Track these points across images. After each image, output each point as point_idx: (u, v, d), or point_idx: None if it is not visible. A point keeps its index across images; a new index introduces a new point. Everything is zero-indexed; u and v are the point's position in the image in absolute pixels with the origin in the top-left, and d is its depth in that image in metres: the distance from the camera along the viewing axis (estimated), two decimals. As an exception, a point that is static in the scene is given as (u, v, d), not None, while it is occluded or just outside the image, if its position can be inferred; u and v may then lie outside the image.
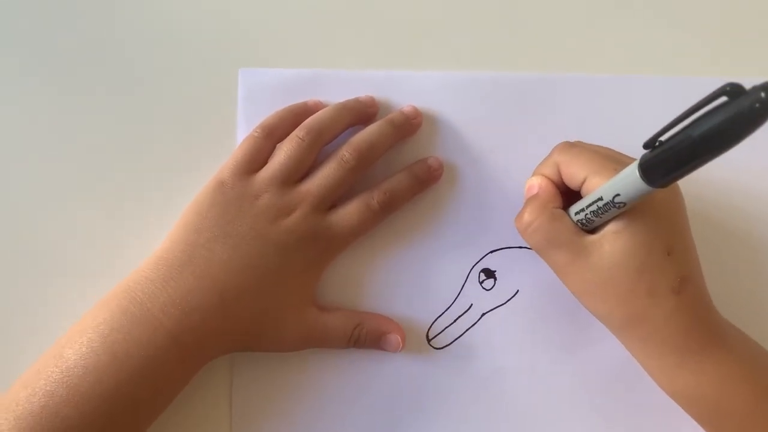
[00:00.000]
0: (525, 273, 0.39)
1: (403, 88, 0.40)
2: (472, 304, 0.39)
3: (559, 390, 0.38)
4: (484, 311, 0.39)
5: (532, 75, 0.40)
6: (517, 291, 0.39)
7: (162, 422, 0.35)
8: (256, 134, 0.37)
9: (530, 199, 0.35)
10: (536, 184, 0.35)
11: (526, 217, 0.34)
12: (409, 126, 0.39)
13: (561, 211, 0.34)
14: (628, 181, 0.29)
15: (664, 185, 0.28)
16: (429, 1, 0.41)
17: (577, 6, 0.41)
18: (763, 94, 0.23)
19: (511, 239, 0.39)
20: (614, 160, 0.32)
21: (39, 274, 0.39)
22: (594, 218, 0.32)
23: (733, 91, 0.24)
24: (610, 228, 0.32)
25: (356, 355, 0.38)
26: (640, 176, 0.28)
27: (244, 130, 0.39)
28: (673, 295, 0.31)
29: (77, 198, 0.40)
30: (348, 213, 0.37)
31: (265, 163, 0.37)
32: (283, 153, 0.36)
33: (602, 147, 0.35)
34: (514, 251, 0.39)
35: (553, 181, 0.35)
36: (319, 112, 0.38)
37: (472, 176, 0.39)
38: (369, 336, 0.37)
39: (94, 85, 0.40)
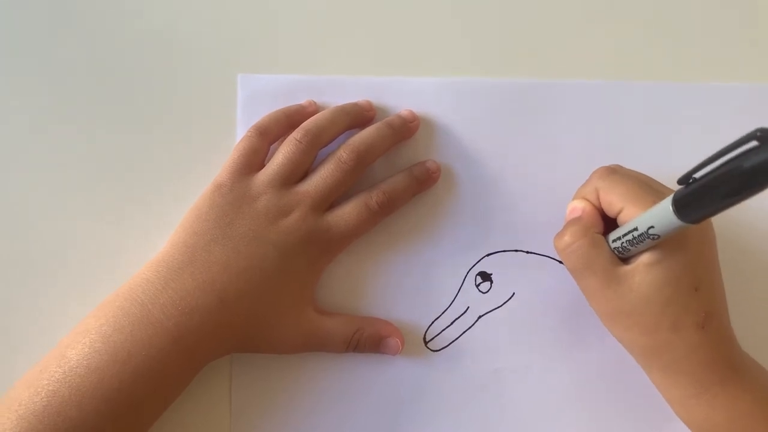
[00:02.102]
0: (521, 276, 0.39)
1: (400, 93, 0.40)
2: (468, 307, 0.39)
3: (555, 392, 0.39)
4: (481, 314, 0.39)
5: (529, 81, 0.40)
6: (513, 294, 0.39)
7: (162, 423, 0.35)
8: (250, 134, 0.38)
9: (572, 221, 0.35)
10: (580, 207, 0.35)
11: (567, 238, 0.34)
12: (407, 129, 0.39)
13: (601, 237, 0.34)
14: (663, 214, 0.29)
15: (696, 221, 0.28)
16: (426, 8, 0.41)
17: (573, 12, 0.41)
18: None
19: (507, 242, 0.39)
20: (652, 191, 0.33)
21: (42, 277, 0.39)
22: (630, 247, 0.32)
23: (763, 136, 0.25)
24: (643, 260, 0.32)
25: (353, 357, 0.39)
26: (673, 211, 0.29)
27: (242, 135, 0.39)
28: (696, 330, 0.32)
29: (79, 202, 0.40)
30: (346, 213, 0.37)
31: (261, 163, 0.38)
32: (281, 155, 0.37)
33: (641, 174, 0.35)
34: (510, 254, 0.39)
35: (595, 206, 0.35)
36: (317, 115, 0.38)
37: (468, 180, 0.40)
38: (368, 341, 0.38)
39: (94, 92, 0.40)
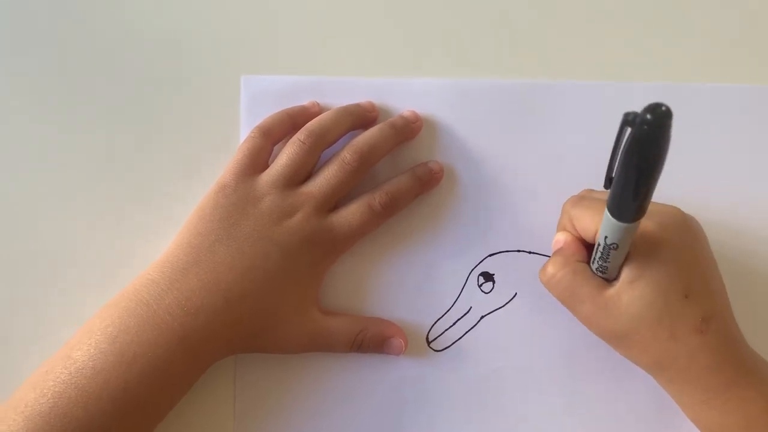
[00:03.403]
0: (523, 276, 0.39)
1: (403, 94, 0.40)
2: (471, 307, 0.39)
3: (557, 392, 0.39)
4: (483, 314, 0.39)
5: (531, 81, 0.41)
6: (515, 294, 0.39)
7: (166, 424, 0.35)
8: (253, 135, 0.38)
9: (555, 252, 0.35)
10: (561, 239, 0.35)
11: (549, 269, 0.34)
12: (409, 130, 0.39)
13: (583, 265, 0.34)
14: (608, 222, 0.30)
15: (635, 218, 0.28)
16: (428, 9, 0.41)
17: (574, 13, 0.41)
18: (648, 116, 0.24)
19: (509, 243, 0.40)
20: None
21: (47, 278, 0.39)
22: (605, 264, 0.32)
23: (631, 120, 0.25)
24: (625, 279, 0.32)
25: (357, 357, 0.39)
26: (611, 216, 0.29)
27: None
28: (696, 336, 0.32)
29: (83, 204, 0.40)
30: (350, 214, 0.37)
31: (265, 163, 0.38)
32: (285, 156, 0.37)
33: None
34: (512, 255, 0.40)
35: (575, 236, 0.35)
36: (320, 116, 0.38)
37: (471, 181, 0.40)
38: (372, 341, 0.38)
39: (99, 93, 0.41)
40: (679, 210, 0.34)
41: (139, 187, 0.40)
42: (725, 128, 0.40)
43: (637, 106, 0.40)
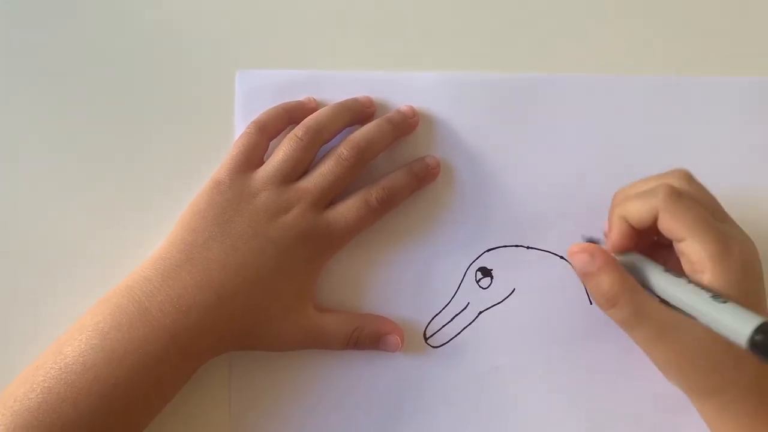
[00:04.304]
0: (521, 272, 0.39)
1: (400, 89, 0.40)
2: (468, 303, 0.39)
3: (555, 388, 0.39)
4: (481, 310, 0.39)
5: (529, 75, 0.40)
6: (514, 289, 0.39)
7: (160, 422, 0.35)
8: (249, 130, 0.38)
9: (609, 268, 0.33)
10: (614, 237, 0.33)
11: (606, 287, 0.32)
12: (407, 125, 0.39)
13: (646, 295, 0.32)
14: (737, 337, 0.28)
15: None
16: (426, 3, 0.41)
17: (573, 6, 0.41)
18: None
19: (507, 238, 0.39)
20: (714, 226, 0.32)
21: (40, 276, 0.39)
22: (678, 310, 0.31)
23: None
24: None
25: (353, 354, 0.38)
26: (750, 350, 0.28)
27: (241, 131, 0.39)
28: (760, 363, 0.30)
29: (76, 199, 0.40)
30: (346, 210, 0.37)
31: (260, 159, 0.38)
32: (282, 152, 0.37)
33: (705, 196, 0.33)
34: (510, 250, 0.39)
35: (630, 224, 0.33)
36: (318, 112, 0.38)
37: (468, 176, 0.40)
38: (368, 338, 0.37)
39: (91, 88, 0.40)
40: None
41: (133, 182, 0.40)
42: (726, 121, 0.40)
43: (637, 99, 0.40)
